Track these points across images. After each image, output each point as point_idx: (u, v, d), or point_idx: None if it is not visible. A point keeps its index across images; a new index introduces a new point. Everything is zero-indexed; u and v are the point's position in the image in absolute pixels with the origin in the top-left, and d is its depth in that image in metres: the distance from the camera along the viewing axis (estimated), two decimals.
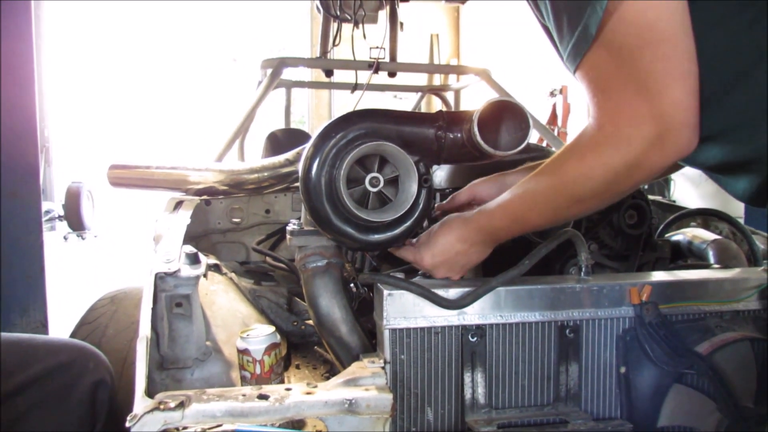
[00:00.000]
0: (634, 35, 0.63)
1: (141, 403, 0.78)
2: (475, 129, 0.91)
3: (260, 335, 1.01)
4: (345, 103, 6.05)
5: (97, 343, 1.32)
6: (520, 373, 0.93)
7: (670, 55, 0.63)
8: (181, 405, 0.78)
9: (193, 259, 1.15)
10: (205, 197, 1.82)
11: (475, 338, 0.92)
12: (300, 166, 0.95)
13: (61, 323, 2.33)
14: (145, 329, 0.93)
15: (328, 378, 1.21)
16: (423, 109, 4.63)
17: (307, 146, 0.95)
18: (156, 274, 1.06)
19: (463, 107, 3.43)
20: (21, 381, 0.96)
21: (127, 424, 0.75)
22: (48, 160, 6.25)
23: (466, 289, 0.91)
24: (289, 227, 1.07)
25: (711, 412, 0.91)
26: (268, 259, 1.69)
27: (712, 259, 1.25)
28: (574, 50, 0.67)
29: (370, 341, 1.03)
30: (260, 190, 1.88)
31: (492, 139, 0.95)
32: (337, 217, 0.93)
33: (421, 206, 0.95)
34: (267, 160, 1.93)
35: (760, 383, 0.91)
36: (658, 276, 1.01)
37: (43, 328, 2.01)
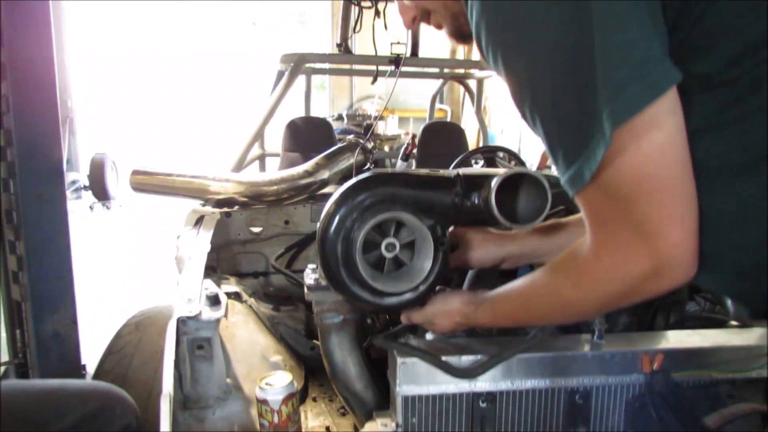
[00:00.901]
0: (631, 186, 0.61)
1: None
2: (493, 202, 0.90)
3: (278, 386, 1.04)
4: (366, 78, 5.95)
5: (123, 374, 1.38)
6: None
7: (668, 201, 0.60)
8: None
9: (214, 301, 1.19)
10: (225, 209, 1.85)
11: (486, 404, 0.94)
12: (318, 228, 0.96)
13: (90, 305, 2.42)
14: (168, 385, 0.97)
15: (344, 414, 1.26)
16: (446, 94, 4.54)
17: (327, 206, 0.96)
18: (178, 319, 1.10)
19: (485, 94, 3.37)
20: None
21: None
22: (72, 130, 6.33)
23: (478, 357, 0.93)
24: (307, 280, 1.09)
25: None
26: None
27: (730, 306, 1.24)
28: (569, 183, 0.64)
29: (384, 395, 1.06)
30: (279, 201, 1.91)
31: (509, 206, 0.95)
32: (352, 282, 0.94)
33: (436, 271, 0.96)
34: (285, 172, 1.95)
35: None
36: (671, 341, 1.01)
37: (73, 324, 2.09)
